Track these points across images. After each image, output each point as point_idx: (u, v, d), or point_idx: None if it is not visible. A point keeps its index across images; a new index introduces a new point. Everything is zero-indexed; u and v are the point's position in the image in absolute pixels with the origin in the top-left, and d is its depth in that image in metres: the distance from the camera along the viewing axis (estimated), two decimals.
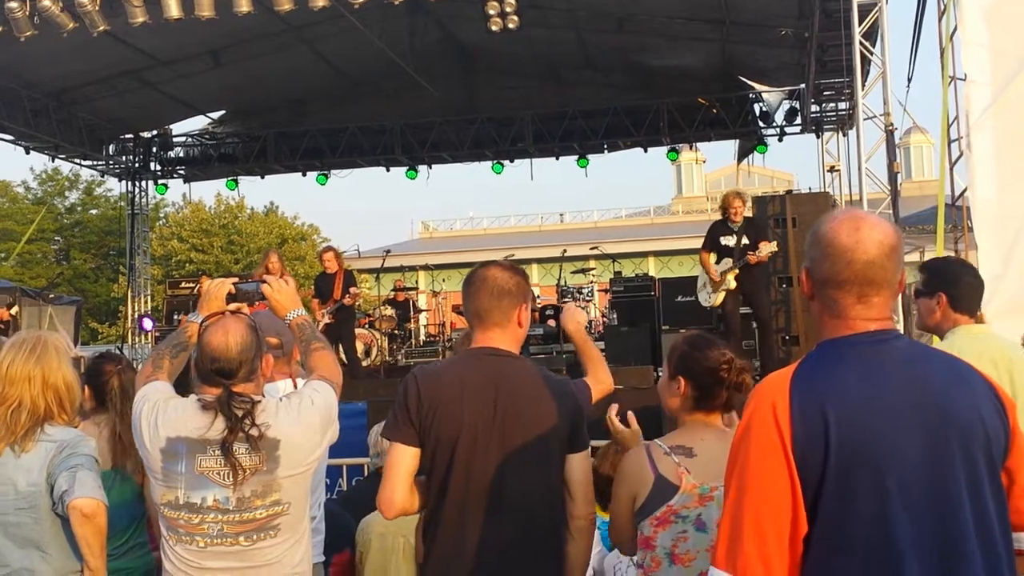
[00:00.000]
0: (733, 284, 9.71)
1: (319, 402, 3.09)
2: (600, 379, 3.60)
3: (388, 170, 19.55)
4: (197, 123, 19.69)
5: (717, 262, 9.81)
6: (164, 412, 3.03)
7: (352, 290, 11.53)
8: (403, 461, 2.98)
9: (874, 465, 1.96)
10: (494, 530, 2.93)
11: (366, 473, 5.97)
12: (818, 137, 17.39)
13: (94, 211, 38.72)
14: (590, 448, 3.13)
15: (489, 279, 3.09)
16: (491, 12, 12.30)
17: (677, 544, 2.97)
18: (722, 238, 9.83)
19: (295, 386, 3.77)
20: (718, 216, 10.16)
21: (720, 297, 9.77)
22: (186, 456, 2.94)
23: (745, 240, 9.68)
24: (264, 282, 3.37)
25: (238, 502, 2.93)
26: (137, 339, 19.55)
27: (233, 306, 3.28)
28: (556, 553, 3.01)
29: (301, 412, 3.04)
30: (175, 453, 2.95)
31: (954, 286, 3.94)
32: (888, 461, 1.97)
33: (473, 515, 2.94)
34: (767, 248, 9.63)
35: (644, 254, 36.22)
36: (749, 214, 10.38)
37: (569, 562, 3.02)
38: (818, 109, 16.42)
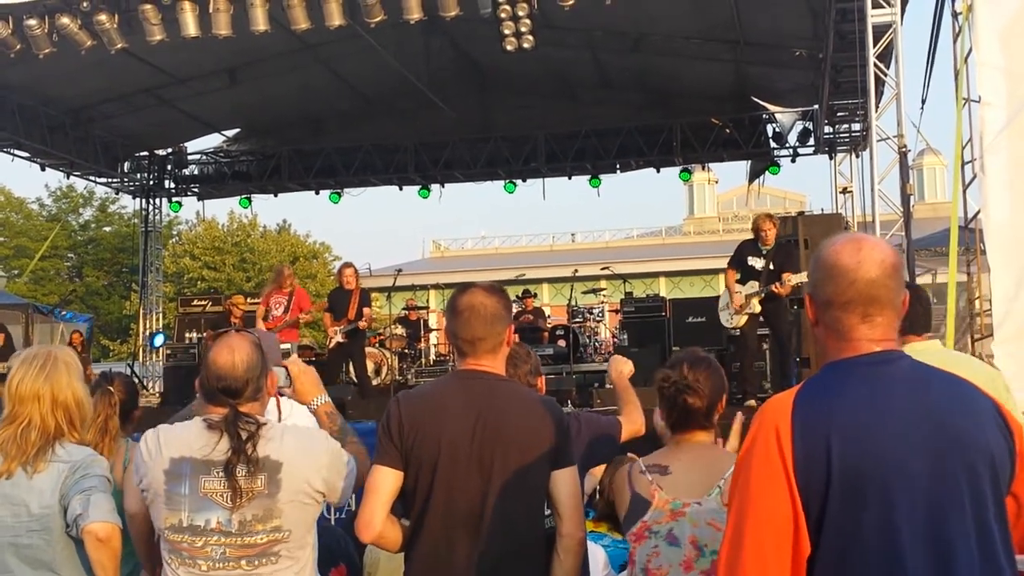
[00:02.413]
0: (758, 308, 9.67)
1: (336, 450, 3.07)
2: (633, 419, 3.85)
3: (401, 189, 19.59)
4: (212, 141, 19.81)
5: (741, 281, 9.78)
6: (167, 432, 3.01)
7: (366, 311, 11.52)
8: (383, 484, 2.96)
9: (879, 487, 1.96)
10: (475, 550, 2.90)
11: None
12: (831, 158, 17.37)
13: (108, 228, 38.92)
14: (576, 466, 3.09)
15: (478, 307, 3.08)
16: (506, 32, 12.33)
17: (651, 559, 2.99)
18: (750, 258, 9.76)
19: (279, 405, 3.80)
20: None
21: (743, 319, 9.75)
22: (190, 477, 2.91)
23: (772, 266, 9.63)
24: (286, 365, 3.41)
25: (240, 525, 2.89)
26: (148, 357, 19.59)
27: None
28: (540, 573, 2.97)
29: (312, 443, 3.04)
30: (179, 475, 2.92)
31: None
32: (893, 483, 1.96)
33: (454, 535, 2.92)
34: (796, 278, 9.54)
35: (655, 274, 36.11)
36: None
37: None
38: (831, 130, 16.42)
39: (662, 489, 3.02)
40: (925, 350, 3.94)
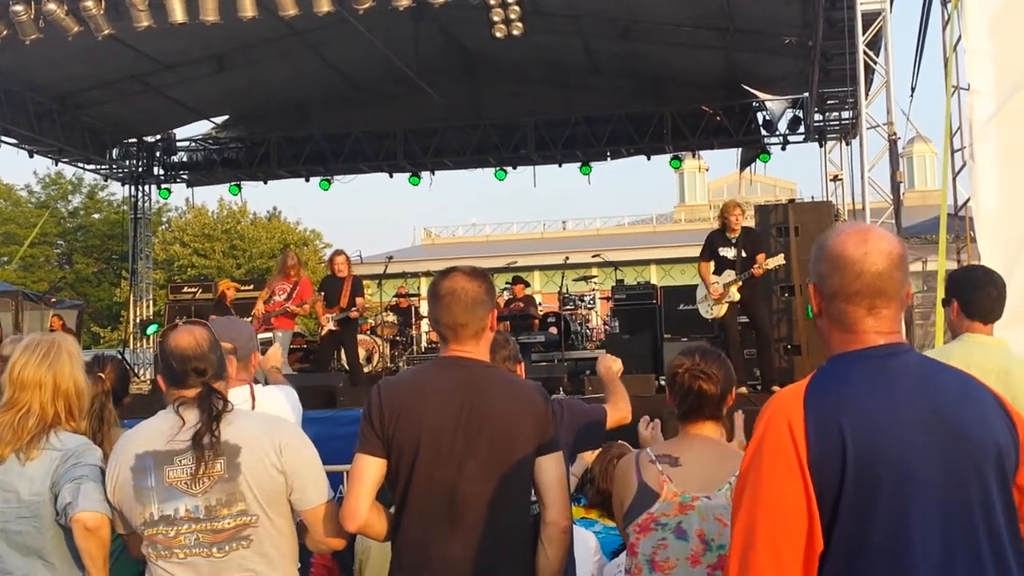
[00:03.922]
0: (737, 296, 9.68)
1: (301, 438, 3.03)
2: (619, 407, 3.82)
3: (391, 176, 19.57)
4: (201, 128, 19.76)
5: (716, 272, 9.80)
6: (130, 433, 3.06)
7: (359, 301, 11.52)
8: (366, 472, 2.93)
9: (892, 481, 1.93)
10: (459, 537, 2.88)
11: None
12: (821, 146, 17.39)
13: (97, 215, 38.75)
14: (562, 452, 3.06)
15: (459, 292, 3.03)
16: (495, 18, 12.30)
17: (656, 552, 2.97)
18: (721, 249, 9.79)
19: (252, 393, 3.79)
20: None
21: (723, 309, 9.76)
22: (154, 470, 2.93)
23: (743, 253, 9.66)
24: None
25: (207, 511, 2.89)
26: (139, 344, 19.55)
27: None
28: (525, 562, 2.94)
29: (272, 427, 3.03)
30: (144, 468, 2.94)
31: (966, 293, 3.97)
32: (905, 477, 1.94)
33: (437, 522, 2.89)
34: (774, 261, 9.60)
35: (646, 262, 36.16)
36: (748, 223, 10.36)
37: (539, 571, 2.93)
38: (821, 118, 16.44)
39: (671, 481, 3.00)
40: (988, 344, 3.84)
